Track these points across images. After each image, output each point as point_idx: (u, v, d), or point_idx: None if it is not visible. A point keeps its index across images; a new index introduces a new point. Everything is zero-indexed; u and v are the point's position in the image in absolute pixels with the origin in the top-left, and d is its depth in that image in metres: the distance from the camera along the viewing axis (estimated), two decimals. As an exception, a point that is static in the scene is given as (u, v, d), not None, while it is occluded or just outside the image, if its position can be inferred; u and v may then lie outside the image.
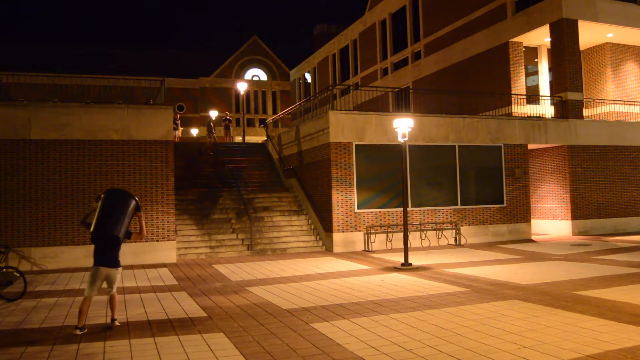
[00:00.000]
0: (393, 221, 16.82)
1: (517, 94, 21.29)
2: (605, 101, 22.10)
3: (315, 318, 7.63)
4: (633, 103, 22.26)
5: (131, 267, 13.83)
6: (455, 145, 17.89)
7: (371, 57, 33.33)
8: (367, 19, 34.02)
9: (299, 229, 17.47)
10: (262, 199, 18.68)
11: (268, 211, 18.04)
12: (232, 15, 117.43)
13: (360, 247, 16.41)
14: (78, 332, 6.99)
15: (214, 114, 34.71)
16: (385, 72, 32.13)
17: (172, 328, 7.29)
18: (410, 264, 12.42)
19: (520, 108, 21.24)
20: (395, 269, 12.21)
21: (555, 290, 9.21)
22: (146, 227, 7.71)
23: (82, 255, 14.17)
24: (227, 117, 29.54)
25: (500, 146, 18.56)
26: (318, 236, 17.11)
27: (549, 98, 21.18)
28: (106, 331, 7.17)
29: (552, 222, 20.24)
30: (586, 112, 21.54)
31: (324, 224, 16.89)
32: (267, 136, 25.15)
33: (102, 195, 7.35)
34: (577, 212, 19.52)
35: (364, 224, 16.49)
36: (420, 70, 28.34)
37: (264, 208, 18.16)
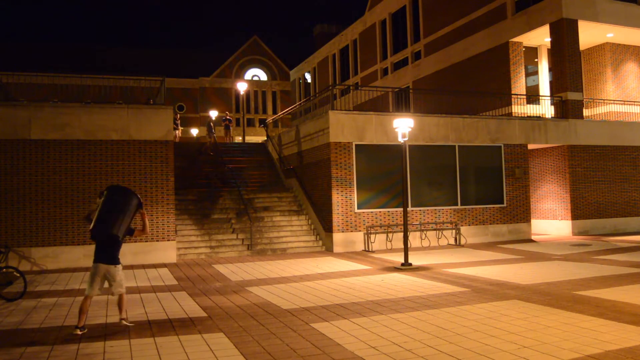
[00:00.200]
0: (393, 221, 16.82)
1: (517, 94, 21.29)
2: (605, 101, 22.10)
3: (315, 318, 7.63)
4: (633, 103, 22.26)
5: (131, 267, 13.83)
6: (455, 145, 17.90)
7: (371, 57, 33.33)
8: (367, 19, 34.02)
9: (299, 229, 17.47)
10: (262, 199, 18.69)
11: (268, 211, 18.04)
12: (232, 15, 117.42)
13: (360, 247, 16.41)
14: (78, 332, 6.96)
15: (214, 114, 34.71)
16: (385, 72, 32.13)
17: (172, 328, 7.29)
18: (410, 264, 12.42)
19: (520, 108, 21.24)
20: (395, 269, 12.21)
21: (555, 290, 9.21)
22: (149, 224, 7.62)
23: (82, 255, 14.18)
24: (227, 117, 29.54)
25: (500, 146, 18.56)
26: (318, 236, 17.11)
27: (549, 98, 21.18)
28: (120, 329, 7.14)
29: (552, 222, 20.25)
30: (586, 112, 21.54)
31: (324, 224, 16.89)
32: (267, 136, 25.16)
33: (105, 192, 7.31)
34: (577, 212, 19.52)
35: (364, 224, 16.49)
36: (420, 70, 28.34)
37: (264, 208, 18.16)
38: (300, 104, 40.53)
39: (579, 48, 20.24)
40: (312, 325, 7.23)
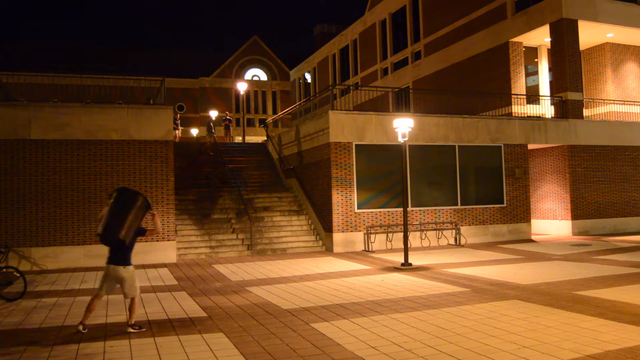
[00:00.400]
0: (393, 221, 16.82)
1: (517, 94, 21.29)
2: (605, 101, 22.10)
3: (315, 318, 7.63)
4: (633, 103, 22.26)
5: (131, 267, 13.83)
6: (455, 145, 17.90)
7: (371, 57, 33.33)
8: (367, 19, 34.02)
9: (299, 229, 17.47)
10: (262, 199, 18.68)
11: (268, 211, 18.04)
12: (232, 15, 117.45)
13: (360, 247, 16.41)
14: (80, 328, 6.94)
15: (214, 114, 34.73)
16: (385, 72, 32.13)
17: (172, 328, 7.29)
18: (410, 264, 12.42)
19: (520, 108, 21.24)
20: (395, 269, 12.21)
21: (555, 290, 9.21)
22: (160, 223, 7.62)
23: (82, 255, 14.19)
24: (227, 117, 29.55)
25: (500, 146, 18.56)
26: (318, 236, 17.11)
27: (549, 98, 21.18)
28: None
29: (552, 222, 20.25)
30: (586, 112, 21.53)
31: (324, 224, 16.89)
32: (267, 136, 25.16)
33: (114, 194, 7.30)
34: (577, 212, 19.52)
35: (364, 224, 16.49)
36: (420, 70, 28.34)
37: (264, 208, 18.16)
38: (300, 104, 40.53)
39: (579, 48, 20.24)
40: (312, 325, 7.23)
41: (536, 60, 22.88)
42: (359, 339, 6.46)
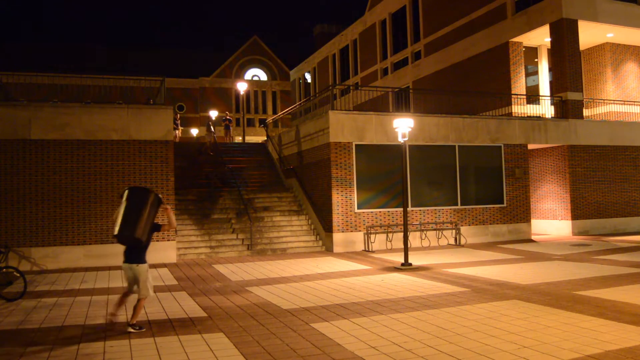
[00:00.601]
0: (393, 221, 16.82)
1: (517, 94, 21.29)
2: (605, 101, 22.10)
3: (315, 318, 7.63)
4: (633, 103, 22.26)
5: (131, 267, 13.83)
6: (455, 145, 17.89)
7: (371, 57, 33.33)
8: (367, 19, 34.02)
9: (299, 229, 17.47)
10: (262, 199, 18.69)
11: (268, 211, 18.04)
12: (233, 15, 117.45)
13: (360, 247, 16.41)
14: (130, 329, 7.14)
15: (214, 114, 34.72)
16: (385, 72, 32.13)
17: (172, 328, 7.29)
18: (410, 264, 12.42)
19: (520, 108, 21.24)
20: (395, 269, 12.21)
21: (555, 290, 9.21)
22: (174, 217, 7.68)
23: (82, 255, 14.19)
24: (227, 117, 29.56)
25: (500, 146, 18.56)
26: (318, 236, 17.11)
27: (549, 98, 21.18)
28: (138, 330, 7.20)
29: (552, 222, 20.24)
30: (586, 112, 21.53)
31: (324, 224, 16.89)
32: (267, 136, 25.16)
33: (125, 192, 7.33)
34: (577, 212, 19.52)
35: (364, 224, 16.49)
36: (420, 70, 28.34)
37: (264, 208, 18.17)
38: (300, 104, 40.53)
39: (579, 48, 20.23)
40: (312, 325, 7.23)
41: (536, 60, 22.88)
42: (359, 339, 6.46)
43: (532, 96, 21.88)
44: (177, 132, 25.51)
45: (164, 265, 14.18)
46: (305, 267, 13.10)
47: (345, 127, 16.49)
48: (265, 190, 19.57)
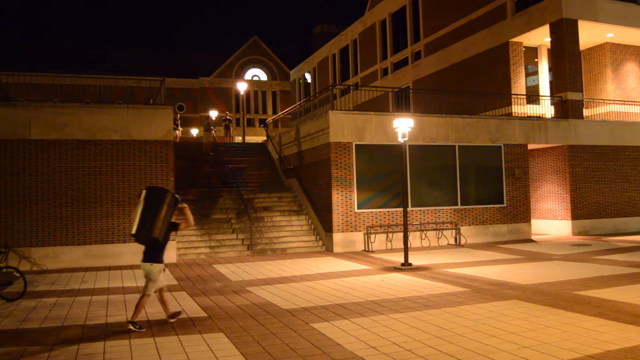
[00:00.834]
0: (393, 221, 16.82)
1: (517, 94, 21.29)
2: (605, 101, 22.10)
3: (315, 318, 7.63)
4: (633, 103, 22.26)
5: (131, 267, 13.83)
6: (455, 145, 17.89)
7: (371, 57, 33.32)
8: (367, 18, 34.01)
9: (299, 229, 17.47)
10: (262, 199, 18.68)
11: (268, 211, 18.04)
12: (232, 15, 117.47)
13: (360, 247, 16.41)
14: (170, 320, 7.38)
15: (214, 114, 34.69)
16: (385, 72, 32.13)
17: (172, 328, 7.30)
18: (410, 264, 12.42)
19: (520, 108, 21.23)
20: (395, 269, 12.20)
21: (555, 290, 9.21)
22: (191, 214, 7.81)
23: (82, 255, 14.19)
24: (227, 117, 29.55)
25: (500, 146, 18.56)
26: (318, 236, 17.11)
27: (549, 98, 21.17)
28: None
29: (552, 222, 20.24)
30: (586, 112, 21.53)
31: (324, 224, 16.89)
32: (267, 136, 25.16)
33: (143, 193, 7.46)
34: (577, 212, 19.52)
35: (364, 224, 16.49)
36: (420, 70, 28.33)
37: (264, 208, 18.16)
38: (300, 104, 40.52)
39: (579, 48, 20.23)
40: (312, 325, 7.23)
41: (536, 60, 22.88)
42: (359, 339, 6.46)
43: (532, 96, 21.88)
44: (177, 132, 25.49)
45: (164, 265, 14.16)
46: (305, 267, 13.10)
47: (345, 127, 16.49)
48: (265, 190, 19.56)
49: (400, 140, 12.84)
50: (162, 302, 7.66)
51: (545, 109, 21.21)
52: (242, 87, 30.76)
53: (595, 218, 19.84)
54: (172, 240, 14.86)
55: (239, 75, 51.78)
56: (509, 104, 21.35)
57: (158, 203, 7.29)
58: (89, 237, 14.32)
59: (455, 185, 17.84)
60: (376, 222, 16.64)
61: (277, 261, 14.29)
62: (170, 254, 14.87)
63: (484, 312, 7.71)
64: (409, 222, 15.80)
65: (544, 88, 22.46)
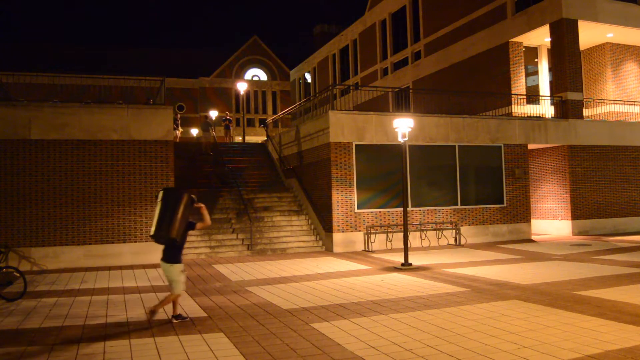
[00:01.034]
0: (393, 221, 16.82)
1: (517, 94, 21.29)
2: (605, 101, 22.10)
3: (315, 318, 7.63)
4: (633, 103, 22.26)
5: (131, 267, 13.84)
6: (455, 145, 17.89)
7: (371, 57, 33.32)
8: (367, 18, 34.01)
9: (299, 229, 17.47)
10: (262, 199, 18.68)
11: (268, 211, 18.04)
12: (232, 15, 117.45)
13: (360, 247, 16.41)
14: (174, 320, 7.56)
15: (214, 114, 34.69)
16: (385, 72, 32.13)
17: (172, 328, 7.30)
18: (410, 264, 12.41)
19: (520, 108, 21.23)
20: (395, 269, 12.20)
21: (555, 290, 9.21)
22: (208, 214, 8.15)
23: (82, 255, 14.19)
24: (227, 117, 29.56)
25: (500, 146, 18.56)
26: (318, 236, 17.11)
27: (549, 98, 21.17)
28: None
29: (552, 222, 20.24)
30: (586, 112, 21.53)
31: (324, 224, 16.89)
32: (267, 136, 25.16)
33: (161, 194, 7.66)
34: (577, 212, 19.52)
35: (364, 224, 16.48)
36: (420, 70, 28.33)
37: (264, 208, 18.16)
38: (300, 104, 40.52)
39: (579, 48, 20.23)
40: (312, 325, 7.23)
41: (536, 60, 22.88)
42: (359, 339, 6.46)
43: (532, 96, 21.88)
44: (177, 132, 25.48)
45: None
46: (305, 267, 13.10)
47: (345, 127, 16.49)
48: (265, 190, 19.56)
49: (400, 140, 12.83)
50: (173, 303, 7.76)
51: (545, 109, 21.21)
52: (242, 87, 30.76)
53: (595, 218, 19.84)
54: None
55: (239, 75, 51.77)
56: (509, 104, 21.35)
57: (175, 204, 7.46)
58: (89, 237, 14.33)
59: (455, 185, 17.84)
60: (376, 222, 16.64)
61: (277, 261, 14.28)
62: (170, 254, 14.85)
63: (484, 312, 7.71)
64: (409, 222, 15.79)
65: (544, 88, 22.46)
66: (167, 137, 15.22)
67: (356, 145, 16.58)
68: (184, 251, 15.46)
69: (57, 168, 14.28)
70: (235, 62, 52.35)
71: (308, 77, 43.96)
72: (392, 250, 16.13)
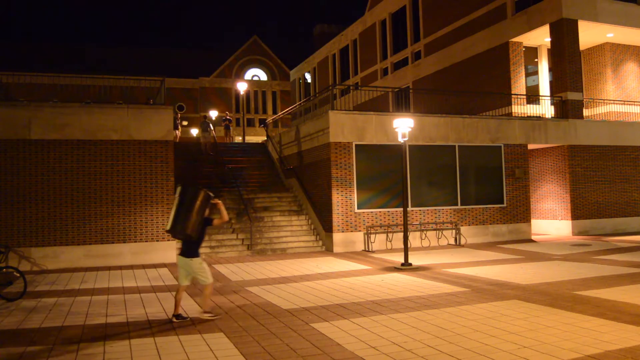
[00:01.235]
0: (393, 221, 16.82)
1: (517, 94, 21.29)
2: (605, 101, 22.10)
3: (315, 318, 7.63)
4: (633, 103, 22.26)
5: (131, 267, 13.84)
6: (455, 145, 17.89)
7: (371, 57, 33.32)
8: (367, 18, 34.01)
9: (299, 229, 17.47)
10: (262, 199, 18.68)
11: (268, 211, 18.04)
12: (232, 15, 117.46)
13: (360, 247, 16.40)
14: (174, 319, 7.58)
15: (214, 114, 34.67)
16: (385, 72, 32.12)
17: (172, 328, 7.30)
18: (410, 264, 12.41)
19: (520, 108, 21.23)
20: (395, 269, 12.20)
21: (555, 290, 9.21)
22: (225, 210, 8.18)
23: (82, 255, 14.19)
24: (227, 117, 29.57)
25: (500, 146, 18.56)
26: (318, 236, 17.11)
27: (549, 98, 21.17)
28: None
29: (552, 222, 20.24)
30: (586, 112, 21.53)
31: (324, 224, 16.88)
32: (267, 136, 25.15)
33: (179, 189, 7.73)
34: (577, 212, 19.52)
35: (364, 224, 16.48)
36: (420, 70, 28.33)
37: (264, 208, 18.16)
38: (300, 104, 40.50)
39: (579, 48, 20.23)
40: (312, 325, 7.23)
41: (536, 60, 22.88)
42: (359, 339, 6.46)
43: (532, 96, 21.88)
44: (177, 132, 25.47)
45: (164, 265, 14.18)
46: (305, 267, 13.10)
47: (345, 127, 16.48)
48: (265, 190, 19.56)
49: (400, 140, 12.83)
50: (177, 298, 7.79)
51: (545, 109, 21.21)
52: (242, 87, 30.76)
53: (595, 218, 19.84)
54: (171, 240, 14.96)
55: (239, 75, 51.76)
56: (509, 104, 21.35)
57: (191, 200, 7.53)
58: (89, 237, 14.33)
59: (455, 185, 17.84)
60: (376, 222, 16.64)
61: (277, 261, 14.28)
62: (170, 254, 14.88)
63: (484, 312, 7.71)
64: (409, 222, 15.79)
65: (544, 88, 22.46)
66: (167, 137, 15.22)
67: (356, 145, 16.58)
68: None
69: (57, 168, 14.28)
70: (235, 62, 52.34)
71: (308, 77, 43.94)
72: (392, 250, 16.13)
